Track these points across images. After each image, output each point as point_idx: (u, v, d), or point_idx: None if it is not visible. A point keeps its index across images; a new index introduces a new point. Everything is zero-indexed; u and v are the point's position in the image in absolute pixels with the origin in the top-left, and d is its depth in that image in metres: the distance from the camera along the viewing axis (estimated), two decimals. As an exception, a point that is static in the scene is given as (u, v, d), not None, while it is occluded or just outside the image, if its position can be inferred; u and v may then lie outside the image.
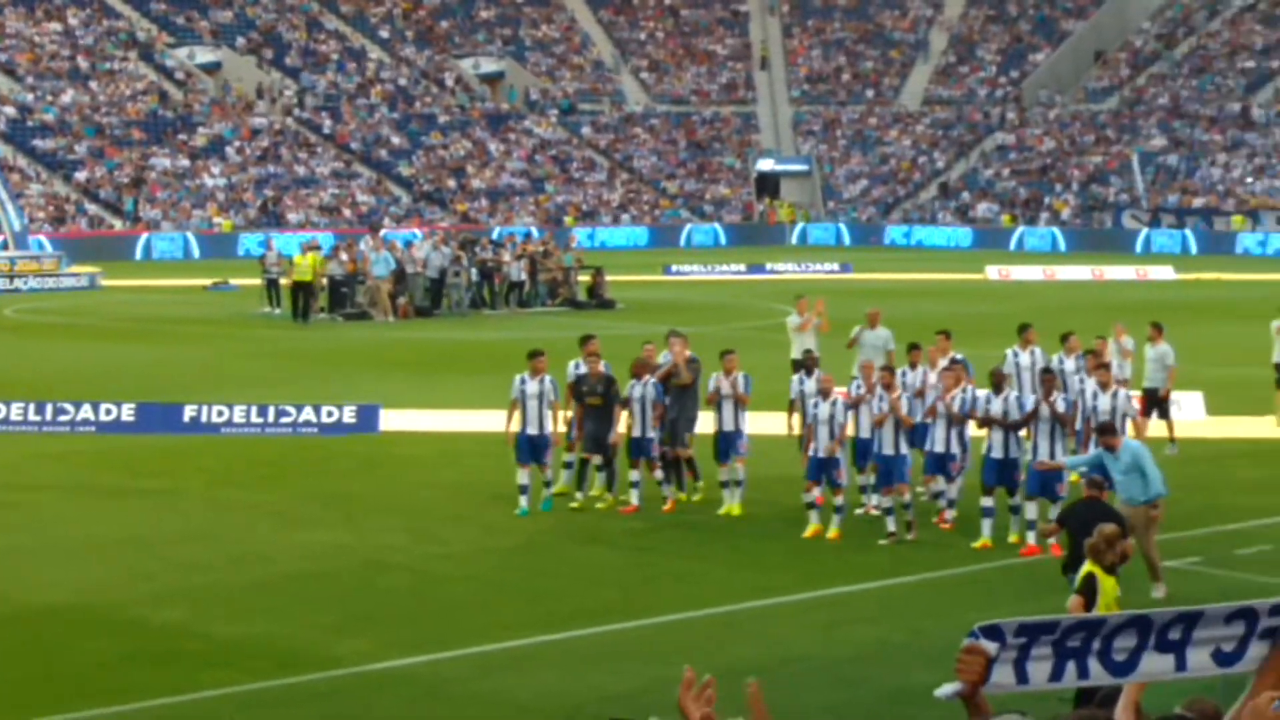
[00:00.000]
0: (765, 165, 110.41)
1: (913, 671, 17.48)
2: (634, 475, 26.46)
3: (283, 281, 57.14)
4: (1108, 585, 15.67)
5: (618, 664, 18.75)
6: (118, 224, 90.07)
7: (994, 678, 5.88)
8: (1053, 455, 23.86)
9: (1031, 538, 23.55)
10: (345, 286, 57.04)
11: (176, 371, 42.89)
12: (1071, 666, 5.94)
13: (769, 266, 78.99)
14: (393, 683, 18.27)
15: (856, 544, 24.11)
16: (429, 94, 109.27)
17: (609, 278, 61.56)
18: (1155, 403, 32.30)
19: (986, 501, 24.34)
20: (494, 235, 76.23)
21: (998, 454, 24.31)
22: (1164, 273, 75.97)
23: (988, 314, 56.19)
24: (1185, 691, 9.20)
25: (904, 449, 24.54)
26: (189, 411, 34.29)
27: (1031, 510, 23.77)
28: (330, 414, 34.10)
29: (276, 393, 37.05)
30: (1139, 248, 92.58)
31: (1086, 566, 15.83)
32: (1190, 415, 35.36)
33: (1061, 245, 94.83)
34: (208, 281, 68.27)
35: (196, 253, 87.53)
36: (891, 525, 24.34)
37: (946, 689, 5.88)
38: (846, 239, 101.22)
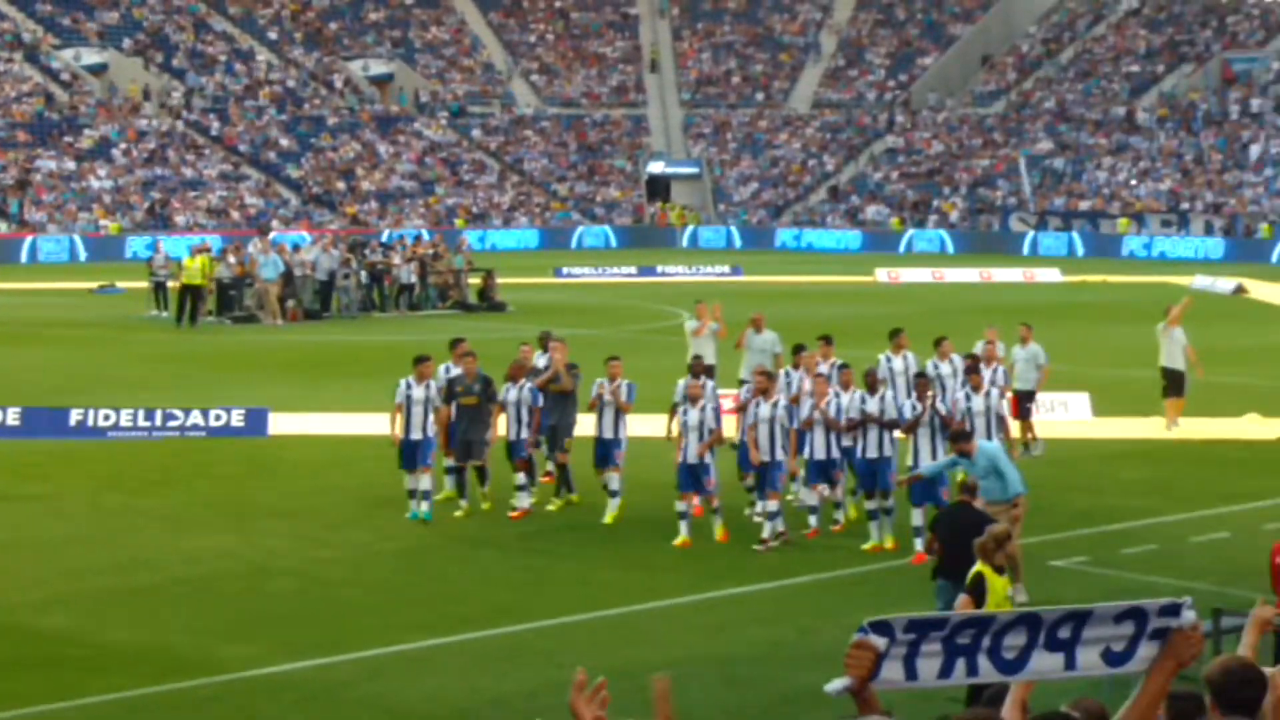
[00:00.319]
0: (656, 168, 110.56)
1: (804, 671, 17.52)
2: (520, 479, 26.38)
3: (170, 284, 56.68)
4: (997, 585, 15.74)
5: (508, 667, 18.69)
6: (2, 226, 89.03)
7: (883, 674, 5.88)
8: (934, 459, 23.95)
9: (919, 544, 23.55)
10: (234, 289, 56.65)
11: (62, 375, 42.45)
12: (961, 664, 5.94)
13: (660, 269, 79.04)
14: (280, 687, 18.14)
15: (744, 546, 24.12)
16: (318, 96, 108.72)
17: (500, 280, 61.47)
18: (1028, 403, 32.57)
19: (869, 504, 24.47)
20: (384, 238, 75.90)
21: (872, 454, 24.48)
22: (1051, 275, 76.59)
23: (877, 316, 56.43)
24: (1072, 691, 9.24)
25: (779, 455, 24.41)
26: (75, 415, 33.95)
27: (917, 517, 23.76)
28: (218, 417, 33.86)
29: (164, 396, 36.74)
30: (1026, 250, 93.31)
31: (977, 566, 15.90)
32: (1077, 416, 35.67)
33: (950, 248, 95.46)
34: (94, 285, 67.60)
35: (83, 255, 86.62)
36: (766, 531, 24.27)
37: (836, 684, 5.88)
38: (737, 242, 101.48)
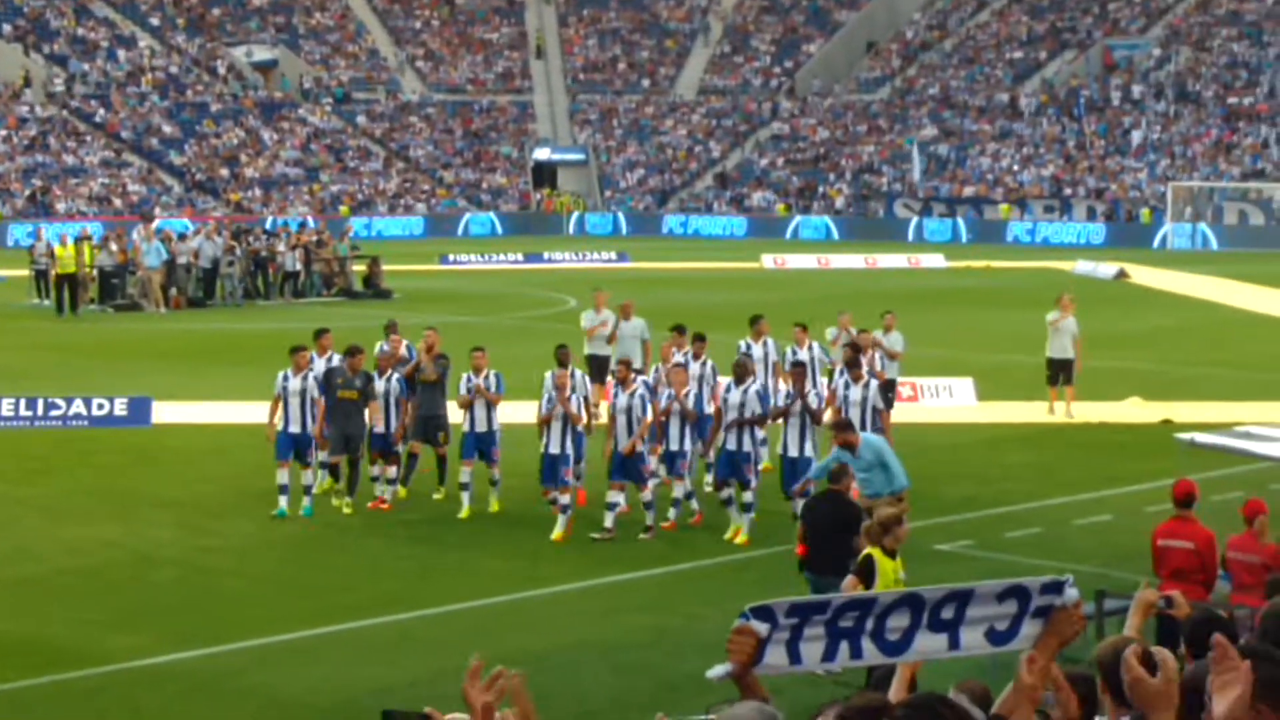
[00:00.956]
0: (542, 154, 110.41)
1: (689, 658, 17.56)
2: (389, 471, 26.06)
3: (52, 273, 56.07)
4: (887, 567, 15.79)
5: (395, 655, 18.64)
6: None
7: (767, 659, 5.89)
8: (801, 450, 23.73)
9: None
10: (116, 277, 56.16)
11: (-59, 365, 41.92)
12: (845, 646, 5.96)
13: (546, 256, 79.03)
14: (165, 678, 18.01)
15: (628, 534, 24.12)
16: (201, 82, 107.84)
17: (386, 267, 61.23)
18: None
19: (724, 493, 24.24)
20: (267, 225, 75.40)
21: (730, 446, 24.05)
22: (935, 260, 77.12)
23: (764, 303, 56.58)
24: (959, 673, 9.30)
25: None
26: (-46, 405, 33.54)
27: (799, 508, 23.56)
28: (101, 406, 33.56)
29: (46, 385, 36.36)
30: (911, 236, 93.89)
31: (866, 549, 15.96)
32: (961, 401, 35.92)
33: (836, 234, 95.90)
34: (-27, 273, 66.81)
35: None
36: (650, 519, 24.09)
37: (718, 670, 5.89)
38: (624, 228, 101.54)
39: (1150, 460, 29.40)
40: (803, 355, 28.30)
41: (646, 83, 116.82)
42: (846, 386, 25.35)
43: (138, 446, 31.28)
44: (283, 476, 25.22)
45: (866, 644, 5.97)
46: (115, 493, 27.15)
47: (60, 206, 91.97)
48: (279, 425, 25.37)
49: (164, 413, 33.60)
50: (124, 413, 33.35)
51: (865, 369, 26.45)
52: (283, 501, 25.12)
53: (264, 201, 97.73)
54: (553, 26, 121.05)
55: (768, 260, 76.29)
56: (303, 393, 25.39)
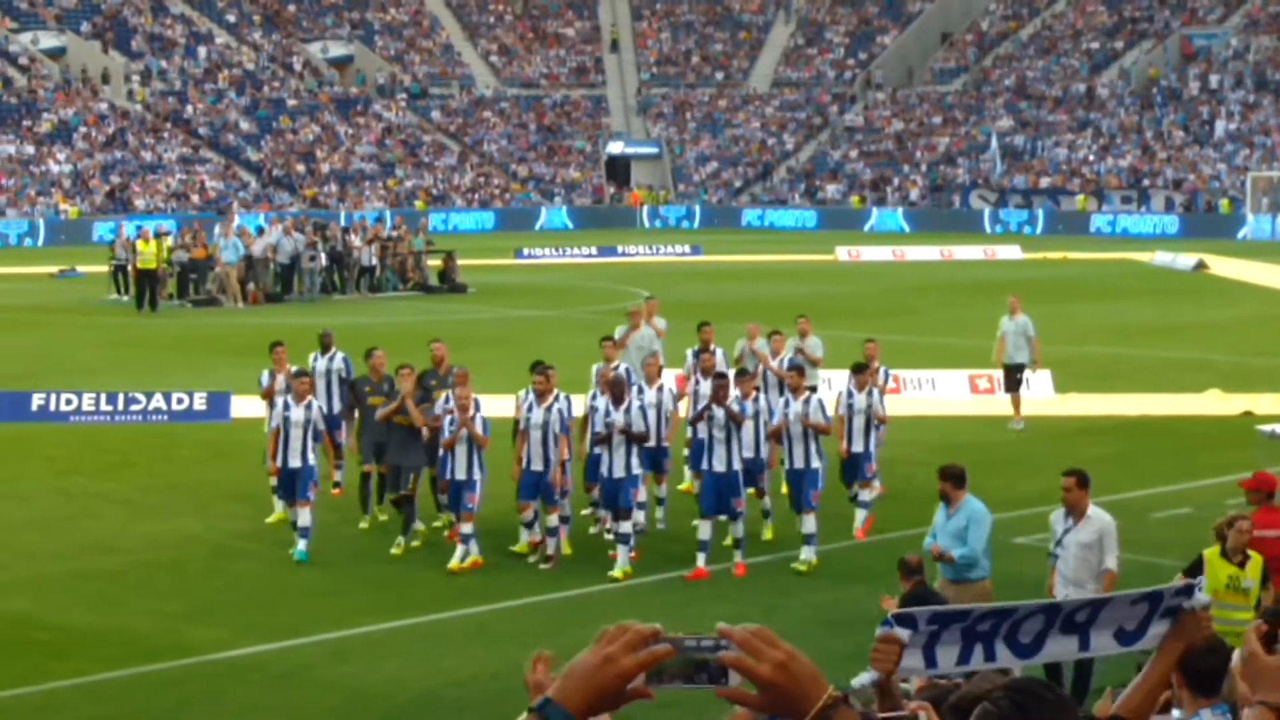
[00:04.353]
0: (615, 148, 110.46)
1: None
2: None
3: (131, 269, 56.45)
4: (1219, 570, 15.66)
5: (471, 648, 18.71)
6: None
7: (904, 662, 5.97)
8: (730, 463, 21.99)
9: (702, 560, 21.95)
10: (194, 273, 56.54)
11: (24, 360, 42.28)
12: (979, 649, 6.03)
13: (620, 249, 79.08)
14: (246, 670, 18.14)
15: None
16: (277, 78, 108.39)
17: (460, 261, 61.37)
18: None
19: (704, 531, 22.06)
20: (342, 220, 75.73)
21: (619, 472, 22.04)
22: (1011, 252, 76.77)
23: (838, 295, 56.54)
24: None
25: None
26: (37, 400, 33.87)
27: (705, 530, 22.02)
28: (180, 401, 33.80)
29: (126, 380, 36.63)
30: (987, 227, 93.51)
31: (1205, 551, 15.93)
32: (1038, 393, 35.77)
33: (911, 226, 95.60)
34: (55, 269, 67.36)
35: (44, 239, 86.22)
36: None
37: (862, 678, 5.94)
38: (698, 221, 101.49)
39: (1229, 452, 29.18)
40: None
41: (720, 76, 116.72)
42: (786, 404, 23.04)
43: (216, 441, 31.47)
44: (305, 517, 22.76)
45: (1000, 647, 6.05)
46: (194, 487, 27.34)
47: (139, 203, 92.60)
48: (278, 462, 23.25)
49: (242, 407, 33.76)
50: (203, 407, 33.58)
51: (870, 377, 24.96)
52: (302, 544, 22.73)
53: (339, 196, 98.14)
54: (626, 20, 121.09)
55: (842, 253, 76.12)
56: (306, 423, 23.10)
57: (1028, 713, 5.13)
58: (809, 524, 22.38)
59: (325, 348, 27.11)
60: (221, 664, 18.27)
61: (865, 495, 24.36)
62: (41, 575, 21.91)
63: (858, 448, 24.34)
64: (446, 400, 22.67)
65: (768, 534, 24.03)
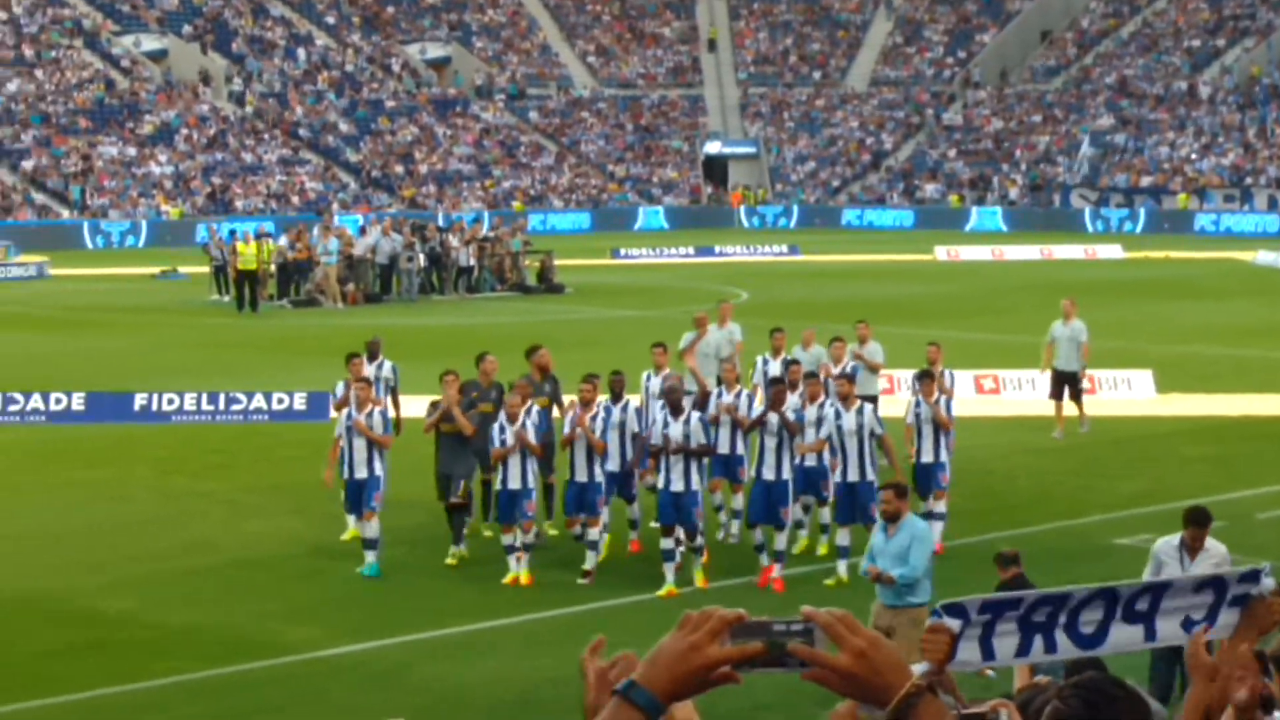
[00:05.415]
0: (713, 148, 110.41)
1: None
2: (508, 539, 22.10)
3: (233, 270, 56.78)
4: None
5: (569, 647, 18.74)
6: (65, 213, 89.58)
7: (960, 655, 5.89)
8: (780, 471, 21.64)
9: (765, 559, 21.60)
10: (295, 274, 56.92)
11: (126, 360, 42.70)
12: (1039, 640, 5.95)
13: (717, 249, 79.04)
14: (344, 669, 18.26)
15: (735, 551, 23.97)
16: (375, 80, 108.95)
17: (558, 262, 61.50)
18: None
19: (666, 542, 21.39)
20: (440, 220, 76.05)
21: (678, 486, 21.31)
22: (1113, 251, 76.23)
23: (937, 295, 56.32)
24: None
25: (598, 476, 22.04)
26: (139, 400, 34.20)
27: (758, 535, 21.80)
28: (280, 401, 34.04)
29: (227, 380, 36.92)
30: (1089, 226, 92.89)
31: None
32: (1140, 394, 35.53)
33: (1010, 225, 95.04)
34: (156, 270, 67.96)
35: (146, 240, 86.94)
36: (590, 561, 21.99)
37: (915, 669, 5.89)
38: (796, 221, 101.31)
39: (1334, 453, 28.91)
40: (775, 367, 25.96)
41: (818, 75, 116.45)
42: (838, 415, 22.25)
43: (316, 441, 31.55)
44: (371, 529, 22.31)
45: (1060, 637, 5.96)
46: (294, 487, 27.49)
47: (239, 204, 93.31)
48: (335, 472, 22.97)
49: (342, 407, 33.97)
50: (303, 407, 33.78)
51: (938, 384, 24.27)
52: (370, 557, 22.20)
53: (438, 197, 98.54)
54: (724, 19, 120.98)
55: (941, 252, 75.80)
56: (371, 429, 22.64)
57: (1098, 710, 5.08)
58: (845, 537, 21.80)
59: (373, 355, 26.90)
60: (319, 663, 18.39)
61: (940, 507, 23.32)
62: (144, 575, 22.12)
63: (928, 458, 23.43)
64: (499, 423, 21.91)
65: (822, 550, 23.11)
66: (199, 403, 34.11)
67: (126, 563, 22.73)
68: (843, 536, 21.91)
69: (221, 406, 34.05)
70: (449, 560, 22.59)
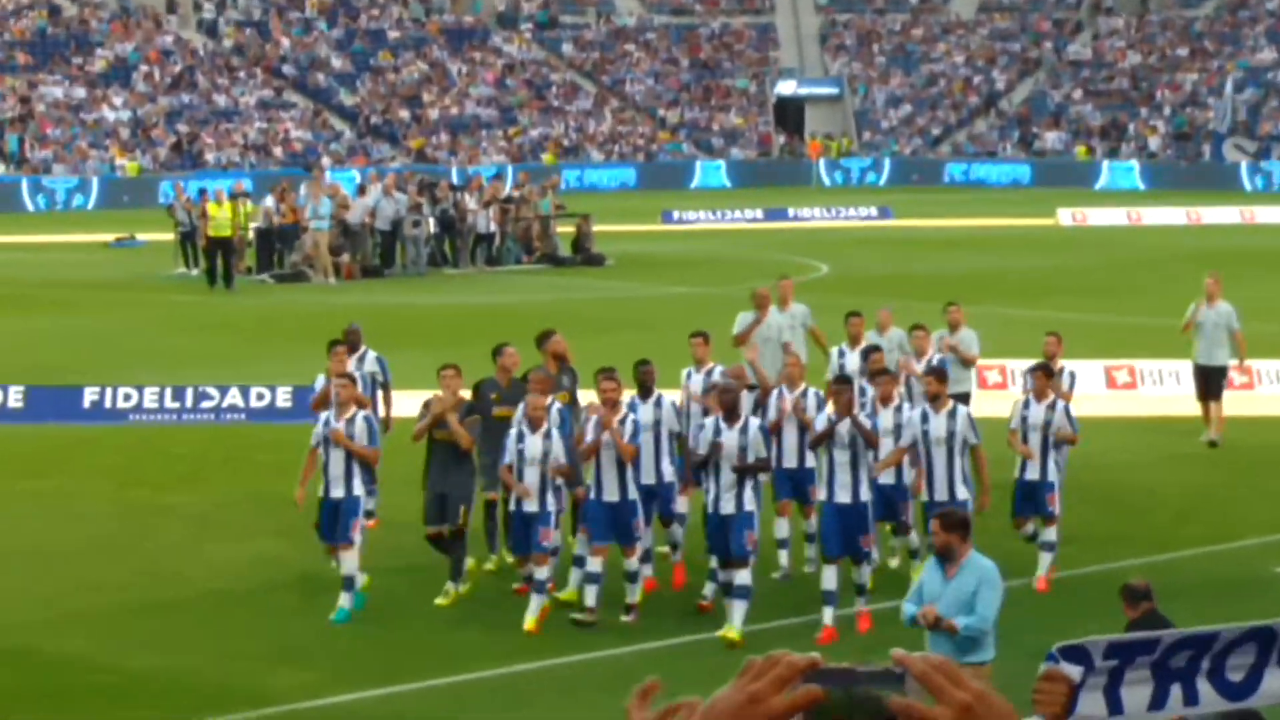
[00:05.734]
0: (786, 88, 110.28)
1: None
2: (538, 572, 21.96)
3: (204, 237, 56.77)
4: None
5: (612, 698, 18.78)
6: (0, 167, 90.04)
7: (1081, 708, 5.91)
8: (856, 492, 21.16)
9: (828, 617, 21.09)
10: (278, 242, 56.95)
11: (74, 347, 42.85)
12: (1177, 690, 5.96)
13: (792, 212, 78.93)
14: (340, 723, 18.38)
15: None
16: (376, 6, 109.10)
17: (596, 228, 61.44)
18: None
19: (828, 579, 21.17)
20: (454, 177, 76.17)
21: (728, 508, 21.13)
22: (1275, 215, 75.86)
23: (1058, 268, 56.19)
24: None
25: (631, 492, 21.90)
26: (90, 395, 34.33)
27: (829, 579, 21.19)
28: (261, 397, 34.15)
29: (196, 372, 37.04)
30: (1245, 184, 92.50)
31: None
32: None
33: (1149, 182, 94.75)
34: (110, 237, 68.13)
35: (98, 201, 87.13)
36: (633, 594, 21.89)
37: None
38: (887, 177, 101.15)
39: None
40: (852, 359, 26.09)
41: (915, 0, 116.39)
42: (925, 418, 21.99)
43: (304, 445, 31.62)
44: (348, 564, 21.90)
45: (1204, 686, 5.98)
46: (277, 501, 27.49)
47: (210, 157, 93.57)
48: (305, 489, 22.54)
49: (335, 404, 34.08)
50: (288, 404, 33.86)
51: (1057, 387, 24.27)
52: (344, 599, 21.84)
53: (451, 149, 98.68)
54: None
55: (1064, 215, 75.57)
56: (351, 439, 22.20)
57: None
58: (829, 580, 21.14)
59: (353, 347, 26.20)
60: (312, 714, 18.49)
61: (1049, 535, 22.98)
62: (100, 608, 22.24)
63: (1033, 474, 23.10)
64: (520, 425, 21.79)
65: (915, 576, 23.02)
66: (162, 399, 34.22)
67: (80, 594, 22.85)
68: (828, 579, 21.21)
69: (189, 404, 34.17)
70: (440, 600, 22.24)
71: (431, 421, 22.62)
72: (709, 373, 24.23)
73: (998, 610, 16.32)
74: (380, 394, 26.35)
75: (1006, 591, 15.90)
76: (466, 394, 23.42)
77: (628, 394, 22.79)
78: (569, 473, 21.61)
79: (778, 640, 20.55)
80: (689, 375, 24.65)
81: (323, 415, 22.63)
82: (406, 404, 26.96)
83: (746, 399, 23.21)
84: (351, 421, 22.15)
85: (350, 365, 25.22)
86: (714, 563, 21.68)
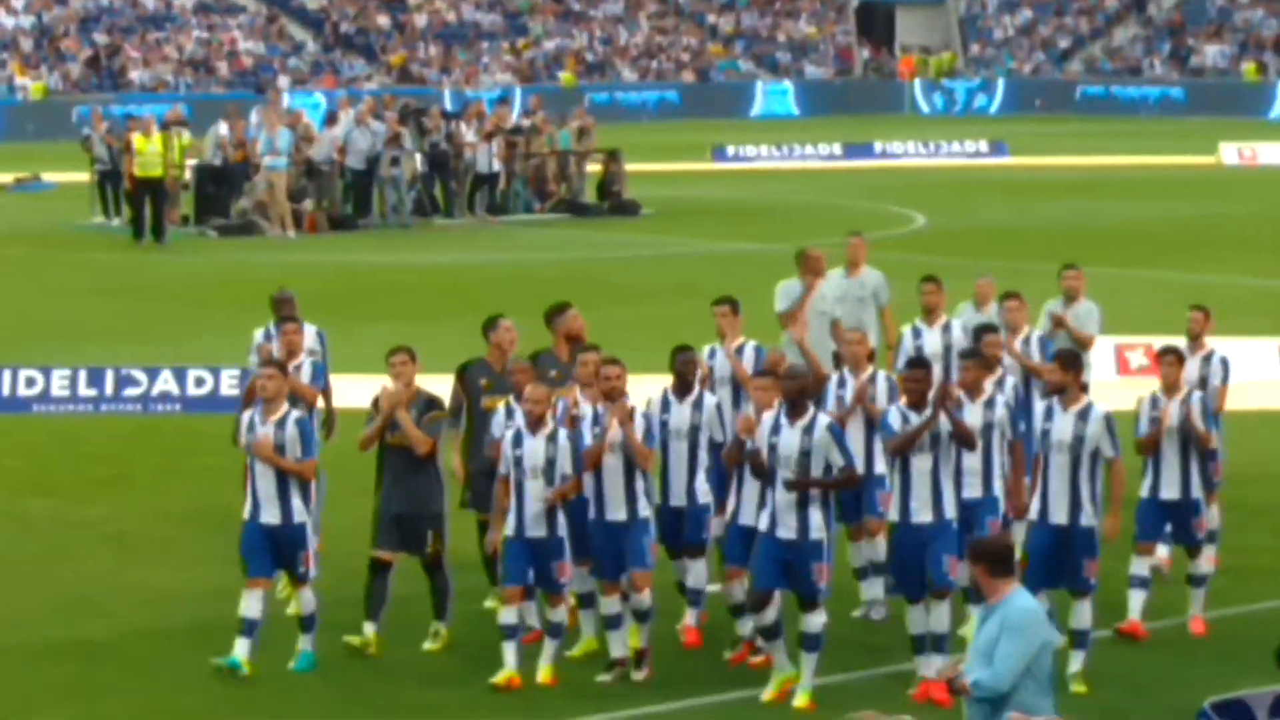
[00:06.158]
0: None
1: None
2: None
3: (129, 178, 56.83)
4: None
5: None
6: None
7: None
8: (941, 508, 20.81)
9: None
10: (224, 184, 57.03)
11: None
12: None
13: (878, 148, 78.96)
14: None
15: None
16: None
17: (629, 166, 61.43)
18: None
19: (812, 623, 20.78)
20: (448, 102, 76.28)
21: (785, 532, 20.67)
22: None
23: (1220, 218, 56.14)
24: None
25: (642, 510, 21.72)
26: (-16, 380, 34.54)
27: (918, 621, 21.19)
28: (201, 383, 34.30)
29: (119, 350, 37.17)
30: None
31: None
32: None
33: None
34: (9, 177, 68.33)
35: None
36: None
37: None
38: (1002, 104, 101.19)
39: None
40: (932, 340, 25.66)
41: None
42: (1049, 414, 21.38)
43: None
44: (252, 607, 21.56)
45: None
46: (220, 513, 27.53)
47: (135, 76, 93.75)
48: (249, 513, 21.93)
49: (293, 391, 34.16)
50: (234, 392, 33.95)
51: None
52: (240, 648, 21.49)
53: (443, 67, 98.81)
54: None
55: (1229, 152, 75.52)
56: (282, 449, 21.68)
57: None
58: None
59: (283, 318, 25.42)
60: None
61: (1203, 567, 22.53)
62: (-3, 649, 22.37)
63: (1170, 492, 22.37)
64: (510, 414, 21.85)
65: None
66: (74, 384, 34.35)
67: (-36, 632, 23.00)
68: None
69: (110, 390, 34.30)
70: (429, 645, 22.33)
71: (382, 423, 22.21)
72: (740, 350, 23.93)
73: (1020, 664, 15.09)
74: (316, 382, 25.09)
75: (1047, 645, 15.35)
76: (466, 388, 23.34)
77: (648, 383, 22.53)
78: (570, 492, 21.13)
79: (858, 699, 20.59)
80: (711, 353, 24.11)
81: (245, 416, 21.96)
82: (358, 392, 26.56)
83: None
84: (281, 424, 21.52)
85: (277, 346, 24.53)
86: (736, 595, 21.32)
